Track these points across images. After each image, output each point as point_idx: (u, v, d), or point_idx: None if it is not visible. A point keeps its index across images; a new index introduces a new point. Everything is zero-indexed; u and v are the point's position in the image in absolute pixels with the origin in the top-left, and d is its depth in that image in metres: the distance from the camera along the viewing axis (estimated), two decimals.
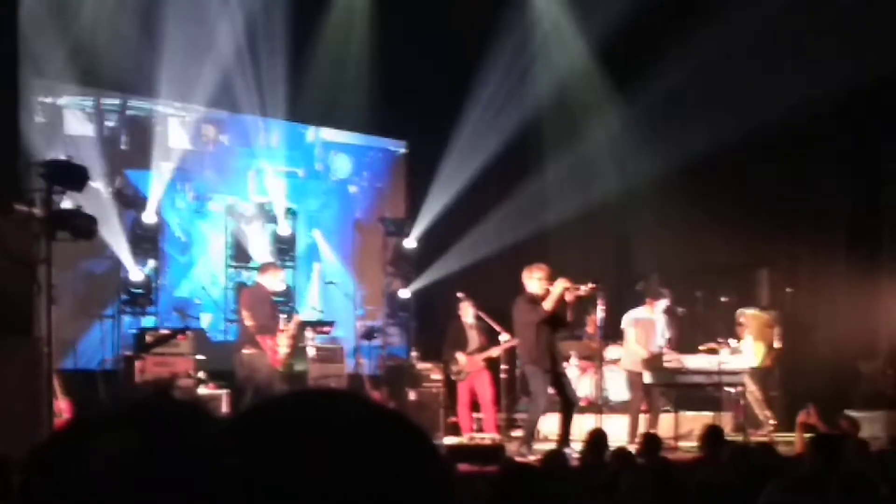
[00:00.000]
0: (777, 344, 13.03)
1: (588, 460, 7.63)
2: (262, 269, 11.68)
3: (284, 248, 14.14)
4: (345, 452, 0.94)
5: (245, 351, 10.86)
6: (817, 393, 12.33)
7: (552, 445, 9.86)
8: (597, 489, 5.82)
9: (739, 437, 11.11)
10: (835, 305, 14.31)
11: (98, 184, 12.02)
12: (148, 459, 1.07)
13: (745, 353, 12.34)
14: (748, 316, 13.06)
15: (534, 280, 10.48)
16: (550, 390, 10.44)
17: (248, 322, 10.84)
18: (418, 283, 14.75)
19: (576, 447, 9.27)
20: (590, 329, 12.29)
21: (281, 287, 11.55)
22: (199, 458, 0.97)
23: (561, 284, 10.33)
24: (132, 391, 10.26)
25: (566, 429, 10.38)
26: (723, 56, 13.22)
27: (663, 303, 12.17)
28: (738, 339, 12.61)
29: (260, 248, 14.02)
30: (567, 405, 10.47)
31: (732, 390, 12.20)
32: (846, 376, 13.51)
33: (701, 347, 12.34)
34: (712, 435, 7.99)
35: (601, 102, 15.01)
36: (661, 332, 12.06)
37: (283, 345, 10.94)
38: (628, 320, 12.08)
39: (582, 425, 10.76)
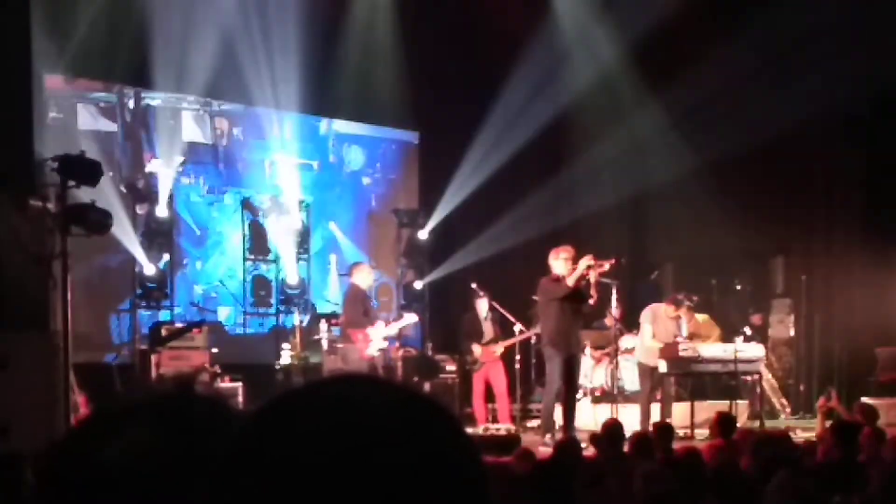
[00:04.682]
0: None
1: (604, 450, 7.62)
2: (354, 268, 12.34)
3: (299, 241, 14.15)
4: (371, 435, 0.93)
5: (339, 345, 11.76)
6: (833, 380, 12.32)
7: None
8: (612, 479, 5.82)
9: (756, 426, 11.08)
10: (850, 292, 14.24)
11: (112, 178, 12.04)
12: (170, 450, 1.07)
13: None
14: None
15: (560, 261, 10.48)
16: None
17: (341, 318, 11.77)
18: (432, 275, 14.73)
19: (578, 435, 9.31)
20: (608, 321, 12.29)
21: (370, 284, 12.35)
22: (220, 447, 0.96)
23: (585, 262, 10.34)
24: (154, 384, 10.30)
25: (569, 415, 10.42)
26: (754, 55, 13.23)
27: (683, 309, 12.06)
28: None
29: (277, 241, 14.03)
30: (569, 391, 10.49)
31: (748, 378, 12.15)
32: (862, 363, 13.44)
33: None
34: (724, 422, 7.97)
35: (624, 98, 14.86)
36: (681, 329, 11.90)
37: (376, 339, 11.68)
38: (647, 315, 11.91)
39: (597, 415, 10.75)
